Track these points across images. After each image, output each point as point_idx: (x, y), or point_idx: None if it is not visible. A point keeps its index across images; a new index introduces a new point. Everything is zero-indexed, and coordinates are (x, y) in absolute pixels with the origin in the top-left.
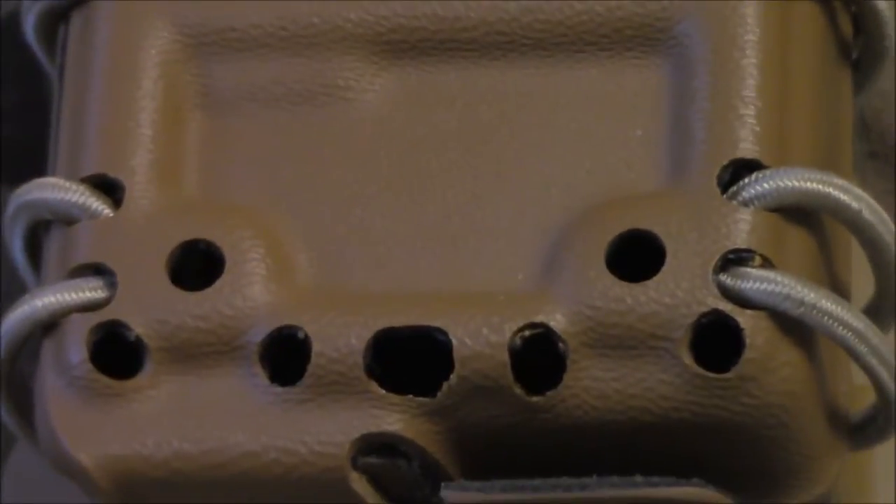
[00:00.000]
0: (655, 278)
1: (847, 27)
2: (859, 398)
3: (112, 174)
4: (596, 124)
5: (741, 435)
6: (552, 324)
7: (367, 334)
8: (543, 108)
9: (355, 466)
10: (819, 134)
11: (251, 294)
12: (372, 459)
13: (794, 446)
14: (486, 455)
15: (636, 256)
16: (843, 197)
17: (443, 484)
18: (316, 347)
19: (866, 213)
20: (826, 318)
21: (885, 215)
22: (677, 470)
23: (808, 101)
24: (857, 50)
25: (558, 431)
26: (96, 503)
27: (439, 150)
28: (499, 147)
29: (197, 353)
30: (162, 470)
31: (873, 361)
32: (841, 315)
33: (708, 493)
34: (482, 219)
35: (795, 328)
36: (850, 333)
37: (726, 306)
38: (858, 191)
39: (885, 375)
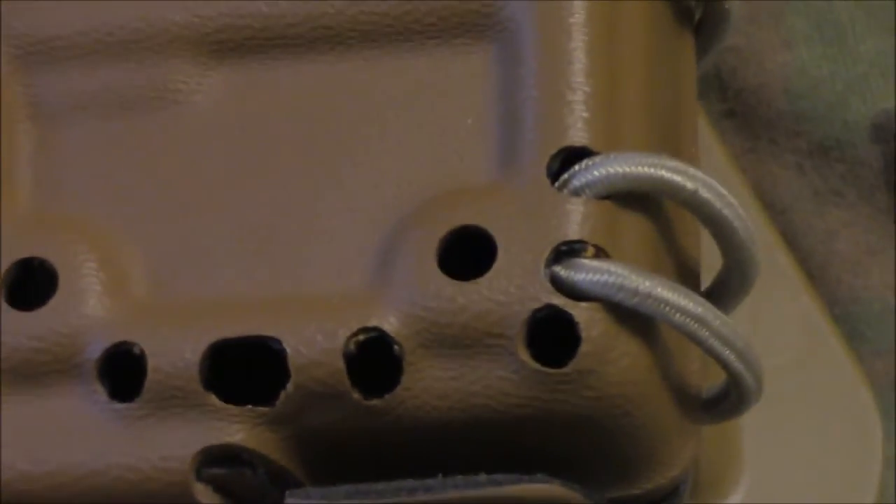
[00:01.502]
0: (487, 275)
1: None
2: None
3: None
4: (426, 115)
5: (586, 427)
6: (386, 327)
7: (202, 347)
8: (373, 101)
9: (200, 478)
10: (653, 113)
11: (85, 311)
12: (216, 470)
13: (641, 432)
14: (331, 459)
15: (470, 252)
16: (677, 178)
17: (287, 492)
18: (151, 363)
19: (703, 192)
20: (662, 305)
21: (723, 190)
22: (527, 464)
23: (640, 80)
24: (698, 12)
25: (401, 433)
26: None
27: (270, 151)
28: (330, 144)
29: (35, 372)
30: (6, 493)
31: (716, 344)
32: (678, 302)
33: (554, 488)
34: (315, 219)
35: (632, 318)
36: (689, 319)
37: (559, 300)
38: (693, 170)
39: (730, 357)
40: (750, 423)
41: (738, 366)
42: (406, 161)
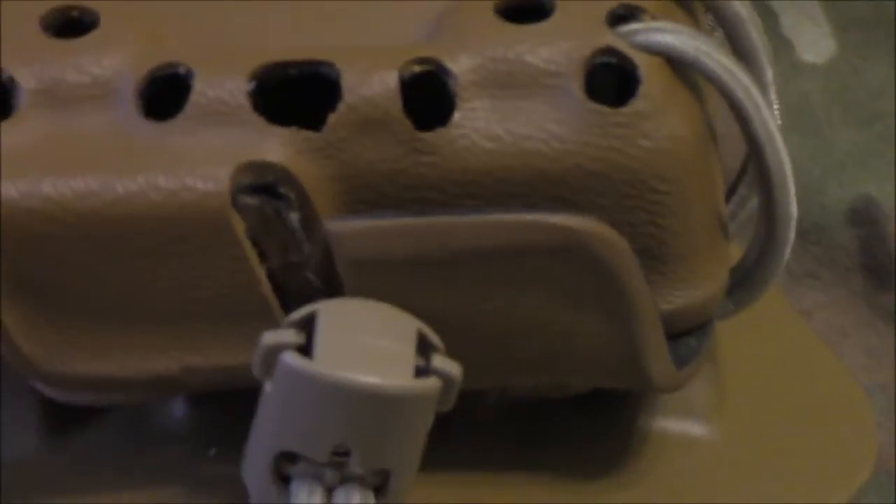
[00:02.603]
0: (548, 20)
1: None
2: None
3: None
4: None
5: (633, 187)
6: (443, 59)
7: (252, 65)
8: None
9: (235, 204)
10: None
11: (127, 43)
12: (252, 200)
13: (681, 211)
14: (370, 201)
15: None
16: None
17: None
18: (198, 77)
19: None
20: (718, 66)
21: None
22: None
23: None
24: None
25: (445, 175)
26: None
27: None
28: None
29: (71, 95)
30: (40, 205)
31: (756, 121)
32: (731, 66)
33: (592, 222)
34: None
35: (688, 78)
36: (738, 86)
37: (622, 45)
38: None
39: (763, 135)
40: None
41: (773, 160)
42: None
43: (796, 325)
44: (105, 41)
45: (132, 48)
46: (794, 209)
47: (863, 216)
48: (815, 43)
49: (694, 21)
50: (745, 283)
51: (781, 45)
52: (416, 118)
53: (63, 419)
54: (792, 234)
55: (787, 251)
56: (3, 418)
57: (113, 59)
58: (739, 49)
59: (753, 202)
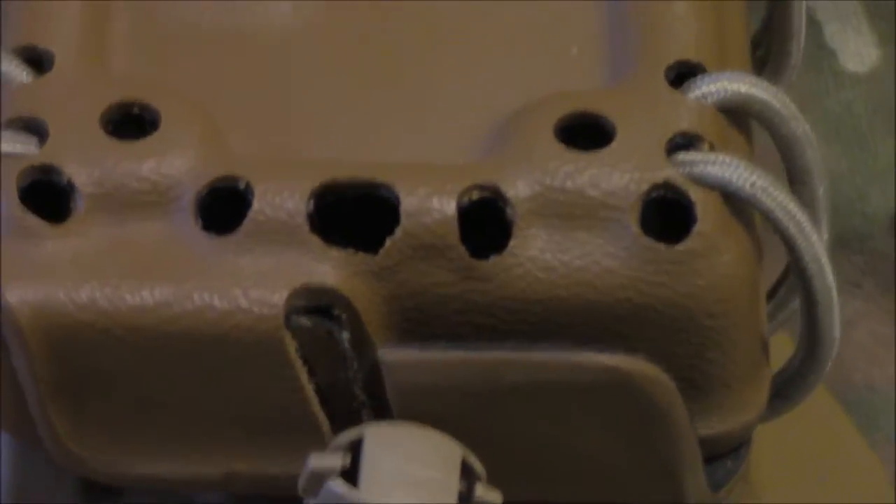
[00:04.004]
0: (608, 148)
1: None
2: None
3: (42, 45)
4: (534, 38)
5: (682, 322)
6: (503, 186)
7: (312, 185)
8: (481, 17)
9: (288, 325)
10: (746, 43)
11: (189, 148)
12: (305, 321)
13: (726, 346)
14: (422, 325)
15: (584, 141)
16: (775, 102)
17: (380, 347)
18: (258, 194)
19: (792, 122)
20: (774, 203)
21: (799, 115)
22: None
23: (737, 12)
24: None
25: (497, 303)
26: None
27: (379, 44)
28: (437, 42)
29: (130, 201)
30: (89, 313)
31: (808, 256)
32: (786, 202)
33: (641, 363)
34: (429, 101)
35: (743, 214)
36: (793, 224)
37: (679, 179)
38: (782, 95)
39: (815, 271)
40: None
41: (822, 292)
42: (518, 67)
43: (836, 415)
44: (166, 145)
45: (193, 153)
46: (837, 332)
47: None
48: (858, 52)
49: (749, 141)
50: (782, 392)
51: (825, 55)
52: (471, 238)
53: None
54: (834, 353)
55: (828, 367)
56: (38, 484)
57: (174, 166)
58: (792, 167)
59: (794, 303)
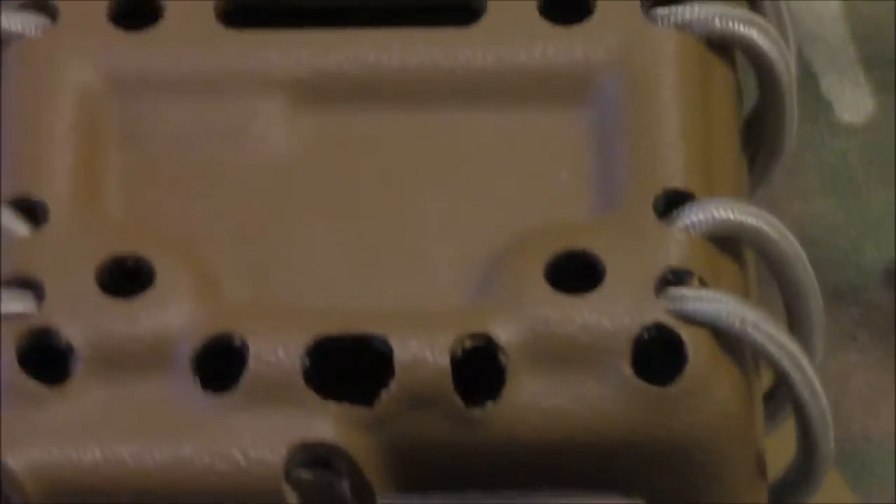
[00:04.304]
0: (597, 291)
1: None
2: None
3: (35, 196)
4: (523, 163)
5: (674, 459)
6: (495, 333)
7: (306, 341)
8: (471, 146)
9: (288, 479)
10: (736, 163)
11: (184, 304)
12: (304, 474)
13: (723, 476)
14: (420, 473)
15: (574, 280)
16: (766, 228)
17: (379, 498)
18: (253, 352)
19: (783, 245)
20: (766, 337)
21: (794, 240)
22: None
23: (727, 133)
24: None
25: (493, 447)
26: None
27: (368, 181)
28: (425, 179)
29: (128, 361)
30: (91, 476)
31: (804, 389)
32: (779, 337)
33: None
34: (417, 242)
35: (734, 348)
36: (785, 357)
37: (669, 320)
38: (774, 220)
39: (812, 405)
40: None
41: (817, 418)
42: (507, 198)
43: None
44: (161, 302)
45: (189, 307)
46: (831, 450)
47: None
48: (854, 103)
49: (741, 268)
50: (780, 501)
51: (821, 106)
52: (464, 378)
53: None
54: (828, 468)
55: (823, 481)
56: None
57: (170, 326)
58: (786, 287)
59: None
